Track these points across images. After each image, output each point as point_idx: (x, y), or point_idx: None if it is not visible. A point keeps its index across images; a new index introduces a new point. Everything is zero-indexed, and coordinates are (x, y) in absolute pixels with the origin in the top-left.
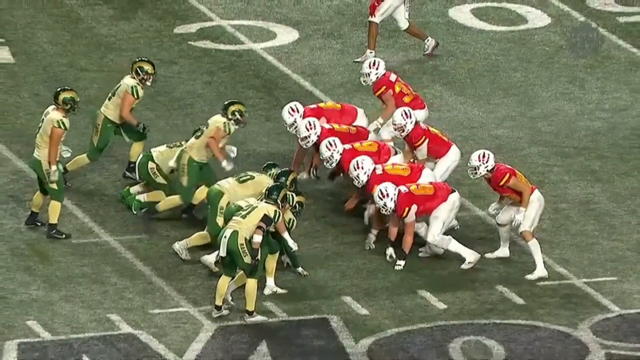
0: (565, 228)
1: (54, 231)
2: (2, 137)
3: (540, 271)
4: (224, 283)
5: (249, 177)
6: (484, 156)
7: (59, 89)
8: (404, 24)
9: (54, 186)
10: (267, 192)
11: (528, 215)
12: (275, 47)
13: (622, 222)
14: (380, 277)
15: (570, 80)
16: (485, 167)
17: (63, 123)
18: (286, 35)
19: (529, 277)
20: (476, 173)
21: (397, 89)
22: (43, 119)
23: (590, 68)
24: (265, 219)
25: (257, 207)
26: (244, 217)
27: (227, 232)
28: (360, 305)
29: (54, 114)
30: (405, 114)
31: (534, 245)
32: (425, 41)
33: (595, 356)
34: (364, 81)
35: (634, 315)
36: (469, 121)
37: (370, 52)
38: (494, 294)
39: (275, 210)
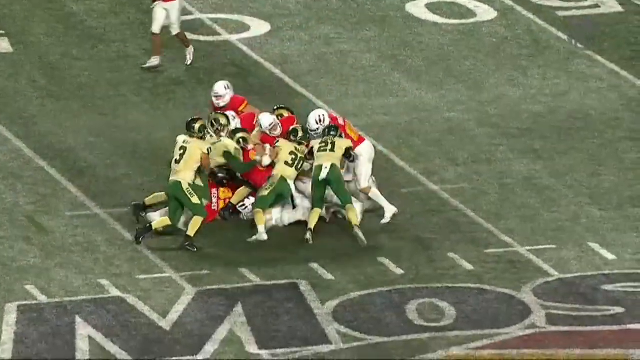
0: (510, 201)
1: (188, 243)
2: (3, 119)
3: (389, 210)
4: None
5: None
6: (320, 119)
7: (190, 120)
8: (175, 29)
9: (196, 201)
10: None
11: (359, 172)
12: (249, 38)
13: (560, 195)
14: (345, 245)
15: (514, 68)
16: (324, 126)
17: (209, 149)
18: (259, 28)
19: (384, 221)
20: (316, 133)
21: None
22: (184, 147)
23: (532, 57)
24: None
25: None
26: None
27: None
28: (326, 271)
29: (198, 144)
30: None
31: (374, 195)
32: (188, 49)
33: (537, 316)
34: (218, 103)
35: (571, 279)
36: (423, 105)
37: (155, 58)
38: (446, 260)
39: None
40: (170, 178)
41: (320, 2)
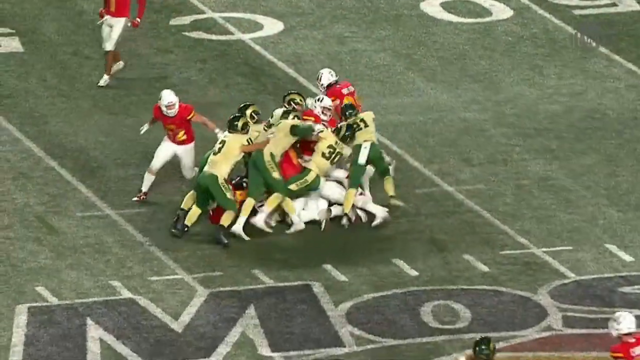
0: (526, 202)
1: (222, 234)
2: (13, 119)
3: (380, 213)
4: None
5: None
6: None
7: (232, 117)
8: (109, 46)
9: (230, 196)
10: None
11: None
12: (262, 37)
13: (577, 196)
14: (358, 246)
15: (530, 68)
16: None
17: (249, 141)
18: (272, 27)
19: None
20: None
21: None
22: (223, 141)
23: (548, 56)
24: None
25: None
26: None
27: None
28: (339, 272)
29: (237, 137)
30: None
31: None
32: (105, 75)
33: (553, 318)
34: (168, 113)
35: (587, 281)
36: (438, 105)
37: (107, 76)
38: (461, 262)
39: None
40: (205, 169)
41: (334, 0)
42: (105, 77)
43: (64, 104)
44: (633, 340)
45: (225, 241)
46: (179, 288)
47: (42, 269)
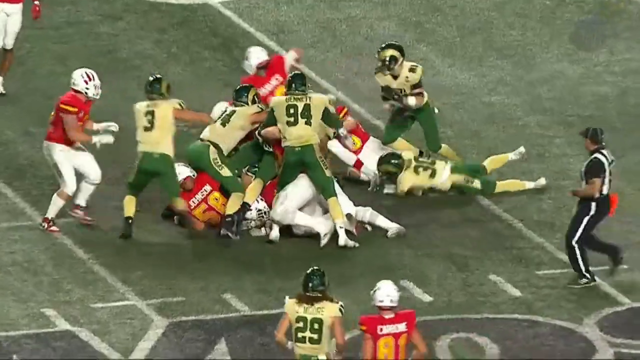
0: (568, 208)
1: (227, 226)
2: None
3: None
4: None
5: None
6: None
7: (239, 88)
8: (10, 42)
9: (226, 173)
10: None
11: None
12: (236, 0)
13: (633, 201)
14: (357, 264)
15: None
16: None
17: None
18: None
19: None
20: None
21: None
22: (232, 112)
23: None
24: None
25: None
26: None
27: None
28: (333, 296)
29: (245, 108)
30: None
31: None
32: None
33: (603, 355)
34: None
35: None
36: (458, 87)
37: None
38: (487, 284)
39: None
40: (195, 144)
41: None
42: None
43: None
44: (389, 316)
45: (234, 235)
46: (130, 317)
47: None
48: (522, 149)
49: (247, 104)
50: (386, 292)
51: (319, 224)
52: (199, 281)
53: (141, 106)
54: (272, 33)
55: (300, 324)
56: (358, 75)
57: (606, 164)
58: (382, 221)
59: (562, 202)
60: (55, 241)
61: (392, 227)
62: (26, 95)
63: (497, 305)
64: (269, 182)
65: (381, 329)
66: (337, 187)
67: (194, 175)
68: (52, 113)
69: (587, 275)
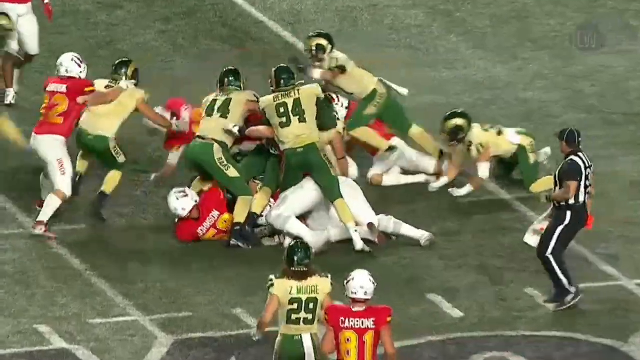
0: (614, 216)
1: (239, 233)
2: None
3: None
4: None
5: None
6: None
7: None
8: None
9: (233, 174)
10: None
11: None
12: None
13: None
14: (380, 277)
15: (620, 28)
16: None
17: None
18: None
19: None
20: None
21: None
22: (227, 100)
23: None
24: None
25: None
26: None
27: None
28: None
29: (243, 94)
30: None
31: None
32: (9, 89)
33: None
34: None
35: None
36: (490, 80)
37: (9, 90)
38: (523, 298)
39: None
40: (197, 141)
41: None
42: (11, 91)
43: None
44: (358, 309)
45: (247, 246)
46: (132, 334)
47: None
48: (547, 150)
49: (241, 88)
50: (360, 283)
51: (309, 236)
52: (206, 295)
53: (100, 84)
54: (287, 23)
55: (295, 306)
56: (380, 69)
57: (583, 167)
58: (408, 230)
59: (606, 209)
60: (50, 250)
61: (422, 235)
62: (18, 92)
63: (534, 321)
64: (278, 188)
65: (343, 321)
66: (360, 194)
67: (196, 202)
68: (58, 104)
69: (572, 289)
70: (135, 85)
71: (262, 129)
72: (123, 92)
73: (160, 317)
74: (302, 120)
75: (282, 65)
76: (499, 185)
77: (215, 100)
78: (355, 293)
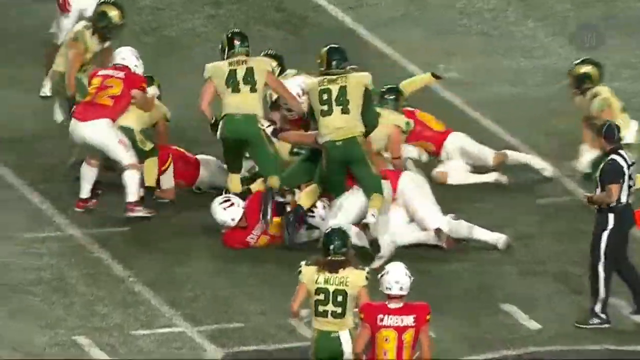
0: None
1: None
2: None
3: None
4: None
5: None
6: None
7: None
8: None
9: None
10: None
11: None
12: None
13: None
14: (449, 285)
15: None
16: None
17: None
18: None
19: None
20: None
21: None
22: (249, 68)
23: None
24: None
25: None
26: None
27: None
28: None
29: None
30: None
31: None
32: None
33: None
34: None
35: None
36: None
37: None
38: (607, 308)
39: None
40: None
41: None
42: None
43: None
44: (396, 306)
45: (289, 238)
46: (179, 346)
47: None
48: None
49: (249, 53)
50: (395, 277)
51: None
52: (260, 303)
53: (151, 89)
54: (348, 7)
55: (321, 297)
56: (450, 57)
57: (625, 167)
58: (481, 233)
59: None
60: (89, 255)
61: (499, 238)
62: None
63: (618, 334)
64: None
65: (381, 319)
66: (428, 193)
67: (243, 208)
68: (112, 86)
69: (602, 315)
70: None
71: (292, 135)
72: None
73: (209, 328)
74: (344, 111)
75: (335, 45)
76: (580, 184)
77: (234, 72)
78: (390, 288)
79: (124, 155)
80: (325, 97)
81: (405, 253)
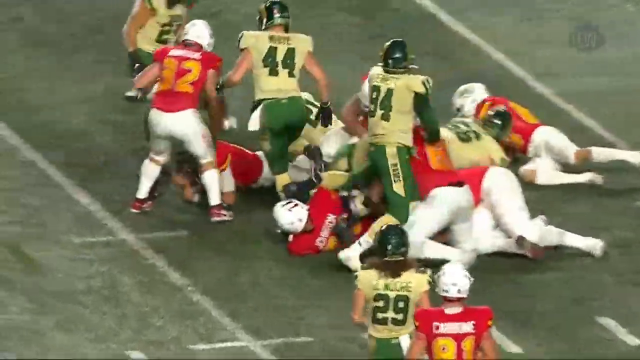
0: None
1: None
2: None
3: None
4: None
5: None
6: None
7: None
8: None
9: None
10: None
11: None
12: None
13: None
14: (538, 296)
15: None
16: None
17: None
18: None
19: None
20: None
21: None
22: (291, 49)
23: None
24: None
25: None
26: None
27: None
28: (509, 339)
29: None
30: None
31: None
32: None
33: None
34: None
35: None
36: None
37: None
38: None
39: None
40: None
41: None
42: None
43: (44, 64)
44: (453, 312)
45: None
46: None
47: (13, 330)
48: None
49: (289, 25)
50: (452, 279)
51: (457, 255)
52: (330, 316)
53: None
54: None
55: (381, 304)
56: (537, 45)
57: None
58: (574, 240)
59: None
60: (144, 262)
61: (595, 245)
62: (107, 72)
63: None
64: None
65: (437, 327)
66: (518, 194)
67: (308, 210)
68: (190, 70)
69: None
70: None
71: (351, 122)
72: None
73: (274, 342)
74: (385, 116)
75: (399, 40)
76: None
77: (274, 50)
78: (447, 291)
79: (205, 151)
80: (374, 95)
81: (488, 261)
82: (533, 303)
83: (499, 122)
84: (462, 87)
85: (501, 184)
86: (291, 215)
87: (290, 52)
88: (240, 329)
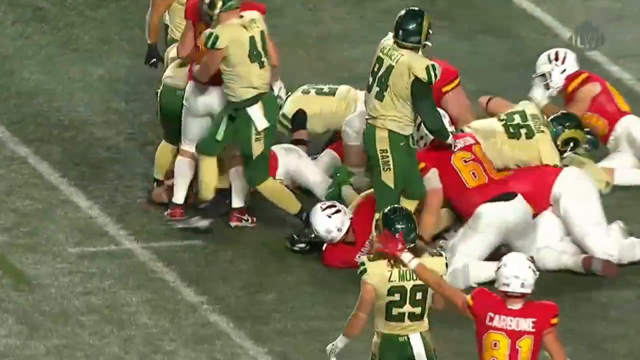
0: None
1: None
2: None
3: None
4: None
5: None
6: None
7: None
8: None
9: None
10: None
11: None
12: None
13: None
14: (620, 318)
15: None
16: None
17: None
18: None
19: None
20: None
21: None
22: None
23: None
24: None
25: None
26: None
27: None
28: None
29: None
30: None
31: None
32: None
33: None
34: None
35: None
36: None
37: None
38: None
39: None
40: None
41: None
42: None
43: (37, 42)
44: (514, 307)
45: None
46: None
47: (1, 356)
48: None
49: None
50: (514, 271)
51: None
52: (365, 338)
53: None
54: None
55: (396, 297)
56: (615, 22)
57: None
58: None
59: None
60: (152, 276)
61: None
62: (111, 52)
63: None
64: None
65: (491, 318)
66: (596, 202)
67: (351, 218)
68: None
69: None
70: None
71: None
72: None
73: None
74: (379, 96)
75: (417, 10)
76: None
77: (252, 39)
78: (508, 285)
79: None
80: (375, 67)
81: (553, 277)
82: (612, 326)
83: (560, 126)
84: (552, 52)
85: (574, 189)
86: (330, 223)
87: (262, 36)
88: (264, 355)
